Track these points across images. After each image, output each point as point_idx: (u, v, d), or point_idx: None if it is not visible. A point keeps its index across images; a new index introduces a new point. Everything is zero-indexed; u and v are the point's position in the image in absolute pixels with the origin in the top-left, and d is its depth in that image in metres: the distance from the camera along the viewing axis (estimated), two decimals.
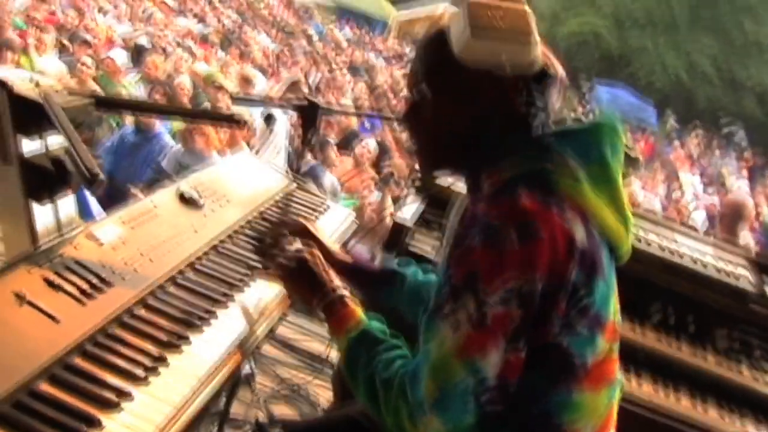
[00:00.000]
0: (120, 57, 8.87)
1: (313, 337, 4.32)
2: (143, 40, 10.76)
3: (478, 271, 1.41)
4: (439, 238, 3.09)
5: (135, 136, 6.52)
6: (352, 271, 2.00)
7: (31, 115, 1.73)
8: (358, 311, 1.70)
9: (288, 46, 14.81)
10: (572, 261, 1.43)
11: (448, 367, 1.41)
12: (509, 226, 1.40)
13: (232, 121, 2.21)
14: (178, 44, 10.81)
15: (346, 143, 8.42)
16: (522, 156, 1.55)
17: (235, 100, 2.94)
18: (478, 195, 1.59)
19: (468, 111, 1.59)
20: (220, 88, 7.49)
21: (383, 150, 8.28)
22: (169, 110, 2.50)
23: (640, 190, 10.34)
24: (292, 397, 3.80)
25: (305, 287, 1.76)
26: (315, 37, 19.01)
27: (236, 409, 3.37)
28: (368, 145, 7.72)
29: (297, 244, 1.91)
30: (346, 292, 1.74)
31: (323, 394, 3.90)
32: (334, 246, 2.07)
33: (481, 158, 1.59)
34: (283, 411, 3.70)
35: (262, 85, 9.97)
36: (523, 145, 1.56)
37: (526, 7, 1.57)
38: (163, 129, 6.70)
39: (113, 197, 6.12)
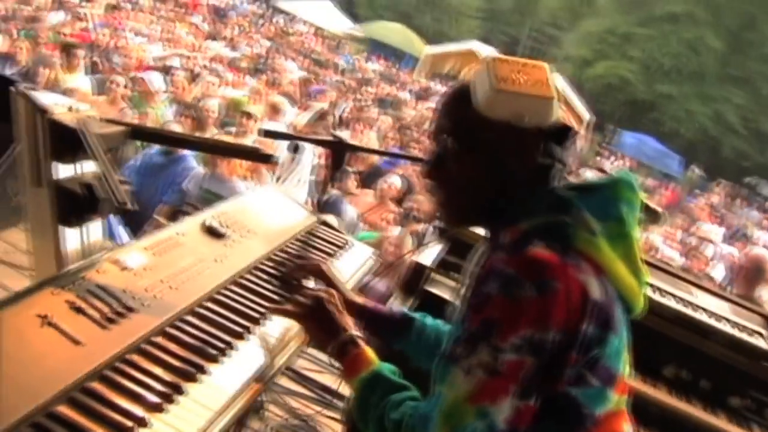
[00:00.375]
0: (157, 80, 8.99)
1: (325, 368, 4.33)
2: (175, 62, 10.91)
3: (493, 319, 1.43)
4: (457, 281, 3.10)
5: (160, 157, 6.59)
6: (368, 317, 2.03)
7: (67, 141, 1.78)
8: (371, 353, 1.74)
9: (316, 75, 14.92)
10: (586, 314, 1.45)
11: (460, 411, 1.43)
12: (527, 277, 1.43)
13: (259, 157, 2.25)
14: (205, 67, 10.94)
15: (369, 176, 8.47)
16: (540, 209, 1.58)
17: (265, 134, 2.96)
18: (497, 244, 1.62)
19: (490, 163, 1.62)
20: (249, 115, 7.57)
21: (407, 186, 8.30)
22: (200, 143, 2.54)
23: (661, 242, 10.30)
24: (301, 428, 3.80)
25: (321, 327, 1.81)
26: (343, 68, 19.19)
27: None
28: (393, 182, 7.75)
29: (314, 284, 1.95)
30: (359, 334, 1.78)
31: (332, 426, 3.89)
32: (350, 290, 2.10)
33: (502, 215, 1.62)
34: None
35: (289, 114, 10.06)
36: (542, 198, 1.60)
37: (547, 66, 1.61)
38: (189, 151, 6.77)
39: (135, 216, 6.20)
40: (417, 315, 2.09)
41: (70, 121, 1.78)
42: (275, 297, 2.06)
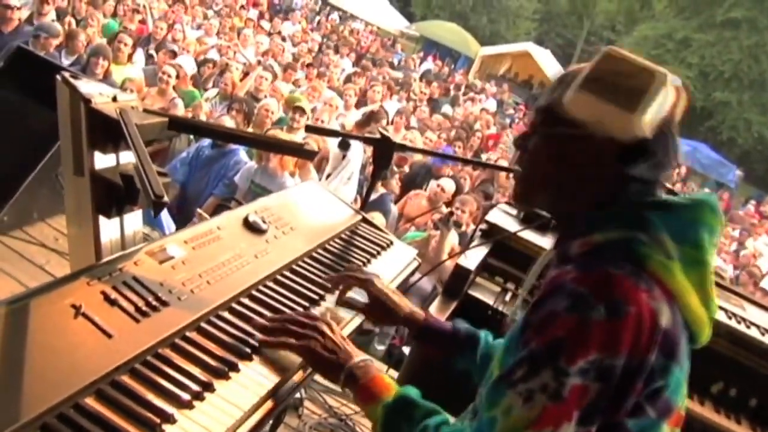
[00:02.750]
0: (188, 64, 9.05)
1: None
2: (213, 54, 10.97)
3: (560, 340, 1.36)
4: (500, 285, 3.05)
5: (211, 149, 6.63)
6: (431, 334, 1.98)
7: (107, 130, 1.76)
8: (387, 377, 1.65)
9: (368, 72, 14.91)
10: (654, 342, 1.38)
11: None
12: (598, 297, 1.36)
13: (303, 153, 2.21)
14: (259, 63, 10.97)
15: (415, 175, 8.42)
16: (615, 222, 1.51)
17: (309, 129, 2.93)
18: (565, 255, 1.56)
19: (559, 155, 1.57)
20: (301, 111, 7.56)
21: (457, 187, 8.25)
22: (240, 136, 2.52)
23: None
24: (338, 428, 3.77)
25: (323, 358, 1.68)
26: (396, 67, 19.17)
27: None
28: (445, 185, 7.69)
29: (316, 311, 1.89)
30: (368, 358, 1.69)
31: (369, 427, 3.85)
32: (410, 304, 2.03)
33: (573, 221, 1.57)
34: None
35: (340, 110, 10.07)
36: (619, 211, 1.52)
37: (664, 72, 1.52)
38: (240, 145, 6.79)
39: (183, 208, 6.25)
40: (481, 333, 2.02)
41: (111, 110, 1.76)
42: (313, 296, 2.03)
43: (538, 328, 1.40)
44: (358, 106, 11.17)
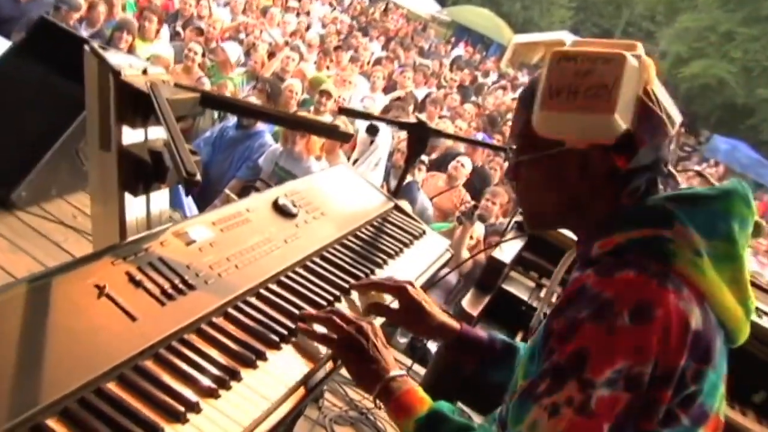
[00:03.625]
0: (234, 51, 9.02)
1: None
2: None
3: (585, 350, 1.32)
4: (535, 280, 3.01)
5: (236, 130, 6.62)
6: (460, 341, 1.93)
7: (138, 105, 1.74)
8: (420, 391, 1.63)
9: (397, 57, 14.85)
10: (684, 346, 1.33)
11: None
12: (622, 303, 1.32)
13: (337, 134, 2.18)
14: (287, 43, 10.95)
15: (441, 163, 8.37)
16: (636, 220, 1.46)
17: (342, 111, 2.91)
18: (587, 256, 1.52)
19: (551, 177, 1.54)
20: (328, 94, 7.53)
21: (482, 179, 8.18)
22: (273, 115, 2.48)
23: (751, 256, 9.96)
24: (359, 421, 3.75)
25: (361, 363, 1.66)
26: (426, 52, 19.08)
27: (300, 426, 3.34)
28: (464, 162, 7.61)
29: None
30: (403, 372, 1.66)
31: (391, 422, 3.83)
32: (444, 314, 1.96)
33: (589, 228, 1.53)
34: None
35: (365, 94, 10.04)
36: (639, 209, 1.48)
37: (619, 53, 1.44)
38: (265, 127, 6.78)
39: (205, 190, 6.24)
40: (519, 345, 1.97)
41: (141, 83, 1.73)
42: (345, 285, 2.00)
43: (560, 337, 1.37)
44: (386, 91, 11.13)
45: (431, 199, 6.99)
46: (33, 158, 3.29)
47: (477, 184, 8.12)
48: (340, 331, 1.68)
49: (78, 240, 3.37)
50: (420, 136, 2.72)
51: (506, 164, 1.67)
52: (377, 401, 1.65)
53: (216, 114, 7.24)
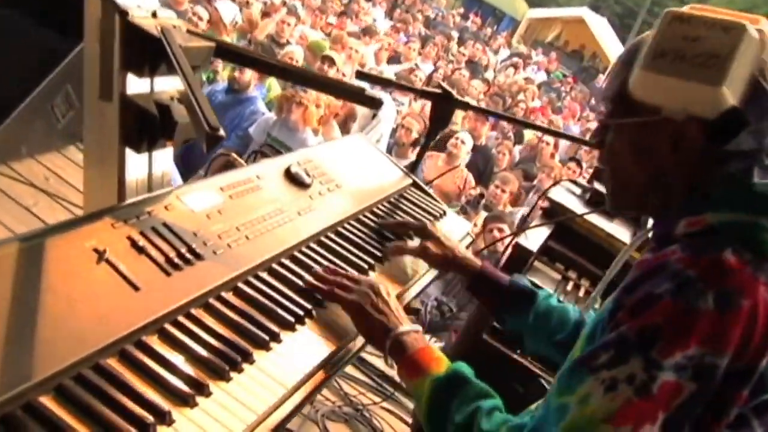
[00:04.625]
0: (229, 10, 8.94)
1: None
2: None
3: (658, 327, 1.28)
4: (561, 272, 2.98)
5: (226, 95, 6.57)
6: (480, 280, 2.02)
7: (144, 49, 1.69)
8: (436, 349, 1.64)
9: (403, 25, 14.80)
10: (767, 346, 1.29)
11: (592, 431, 1.28)
12: (708, 284, 1.28)
13: (365, 99, 2.13)
14: (284, 3, 10.87)
15: (442, 143, 8.34)
16: (731, 203, 1.42)
17: (360, 75, 2.87)
18: (666, 236, 1.47)
19: (639, 148, 1.52)
20: (331, 61, 7.45)
21: (487, 163, 8.15)
22: (295, 73, 2.40)
23: None
24: (353, 418, 3.72)
25: (371, 319, 1.68)
26: (431, 21, 19.02)
27: (291, 421, 3.31)
28: (463, 138, 7.56)
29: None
30: (418, 328, 1.69)
31: (389, 421, 3.81)
32: (467, 252, 2.05)
33: (678, 207, 1.49)
34: None
35: (369, 64, 9.97)
36: (735, 191, 1.44)
37: (741, 23, 1.40)
38: (258, 93, 6.72)
39: (189, 159, 6.18)
40: (542, 291, 2.00)
41: (151, 27, 1.68)
42: (362, 264, 1.97)
43: (632, 310, 1.33)
44: (389, 62, 11.09)
45: (431, 183, 6.94)
46: (3, 112, 3.22)
47: (480, 165, 8.10)
48: (348, 289, 1.73)
49: (50, 205, 3.30)
50: (444, 108, 2.67)
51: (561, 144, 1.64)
52: (389, 360, 1.66)
53: (205, 76, 7.17)
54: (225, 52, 1.94)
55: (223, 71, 7.11)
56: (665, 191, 1.52)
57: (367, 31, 12.03)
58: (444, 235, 2.11)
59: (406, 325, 1.66)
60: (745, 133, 1.42)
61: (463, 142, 7.48)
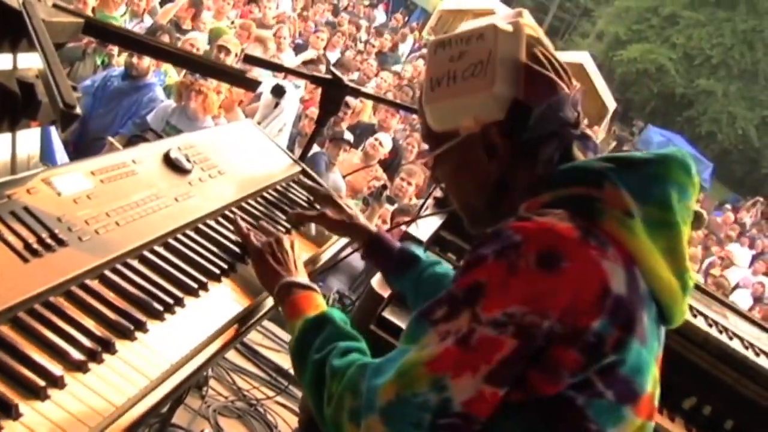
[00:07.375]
0: None
1: (284, 349, 4.21)
2: None
3: (481, 283, 1.38)
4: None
5: (122, 81, 6.45)
6: (374, 244, 2.15)
7: (5, 24, 1.63)
8: (320, 299, 1.77)
9: (307, 13, 14.75)
10: (601, 309, 1.36)
11: (415, 374, 1.37)
12: (531, 245, 1.36)
13: (243, 80, 2.11)
14: None
15: (358, 135, 8.34)
16: (565, 181, 1.51)
17: (248, 60, 2.83)
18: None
19: (463, 173, 1.67)
20: (226, 50, 7.33)
21: (396, 154, 8.19)
22: (172, 53, 2.34)
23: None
24: (246, 413, 3.70)
25: (270, 266, 1.84)
26: (341, 12, 18.98)
27: (179, 416, 3.27)
28: (383, 140, 7.61)
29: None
30: (310, 283, 1.82)
31: (283, 416, 3.80)
32: (360, 216, 2.21)
33: (515, 198, 1.59)
34: (234, 428, 3.60)
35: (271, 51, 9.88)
36: (567, 169, 1.54)
37: (489, 24, 1.57)
38: (156, 80, 6.62)
39: (82, 146, 6.05)
40: (429, 258, 2.14)
41: (14, 0, 1.63)
42: (240, 252, 1.96)
43: (463, 270, 1.44)
44: (297, 51, 11.04)
45: (345, 177, 6.95)
46: None
47: (389, 159, 8.16)
48: (260, 235, 1.95)
49: None
50: (334, 94, 2.67)
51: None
52: (278, 306, 1.81)
53: (99, 60, 7.02)
54: (95, 28, 1.89)
55: (119, 56, 6.96)
56: (506, 196, 1.63)
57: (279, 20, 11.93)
58: (346, 204, 2.22)
59: (298, 277, 1.81)
60: (536, 117, 1.54)
61: (381, 144, 7.58)
